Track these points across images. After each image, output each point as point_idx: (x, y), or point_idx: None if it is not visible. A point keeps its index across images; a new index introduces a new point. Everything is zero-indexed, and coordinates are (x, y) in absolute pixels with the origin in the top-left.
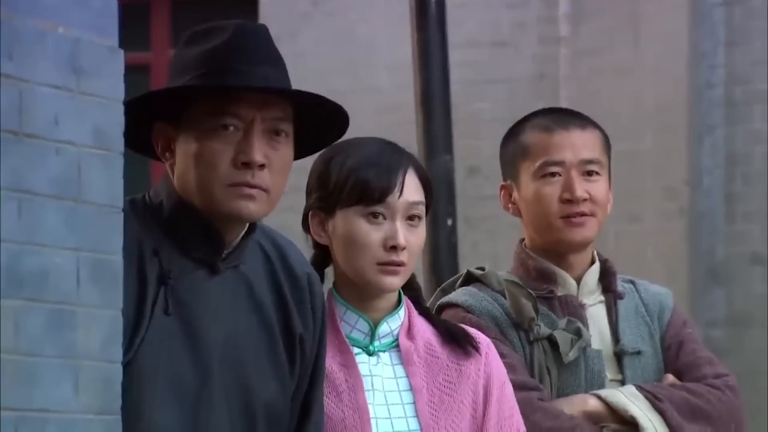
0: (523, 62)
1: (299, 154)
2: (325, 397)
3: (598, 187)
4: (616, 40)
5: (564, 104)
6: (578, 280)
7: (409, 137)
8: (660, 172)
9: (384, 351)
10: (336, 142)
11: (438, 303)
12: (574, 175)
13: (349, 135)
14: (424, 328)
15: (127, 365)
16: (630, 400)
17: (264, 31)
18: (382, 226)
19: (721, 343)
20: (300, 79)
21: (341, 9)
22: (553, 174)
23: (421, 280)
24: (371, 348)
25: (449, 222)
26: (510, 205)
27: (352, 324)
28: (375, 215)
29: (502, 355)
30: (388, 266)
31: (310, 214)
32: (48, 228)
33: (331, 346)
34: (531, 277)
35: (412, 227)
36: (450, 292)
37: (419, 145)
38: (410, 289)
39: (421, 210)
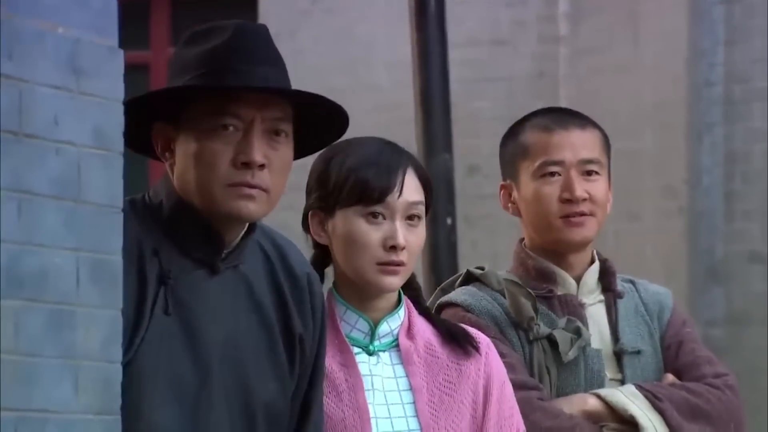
0: (523, 61)
1: (299, 154)
2: (325, 397)
3: (598, 187)
4: (615, 38)
5: (563, 103)
6: (578, 280)
7: (408, 136)
8: (659, 170)
9: (384, 351)
10: (336, 142)
11: (437, 302)
12: (574, 175)
13: (348, 133)
14: (424, 328)
15: (126, 365)
16: (630, 399)
17: (264, 31)
18: (382, 226)
19: (721, 341)
20: (299, 78)
21: (340, 7)
22: (552, 174)
23: (421, 279)
24: (371, 348)
25: (449, 221)
26: (509, 205)
27: (352, 324)
28: (374, 215)
29: (501, 355)
30: (387, 266)
31: (309, 213)
32: (48, 228)
33: (331, 346)
34: (530, 277)
35: (412, 227)
36: (449, 292)
37: (418, 143)
38: (410, 288)
39: (421, 210)
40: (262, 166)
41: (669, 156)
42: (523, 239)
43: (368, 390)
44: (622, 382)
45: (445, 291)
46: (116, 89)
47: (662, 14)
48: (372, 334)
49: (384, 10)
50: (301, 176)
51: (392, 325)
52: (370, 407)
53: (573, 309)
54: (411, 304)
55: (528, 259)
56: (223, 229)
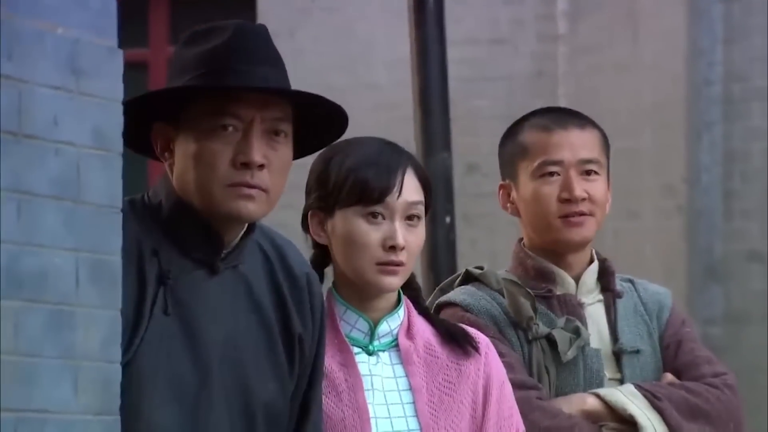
0: (522, 59)
1: (298, 154)
2: (324, 397)
3: (597, 187)
4: (614, 37)
5: (562, 101)
6: (577, 280)
7: (407, 134)
8: (658, 169)
9: (383, 350)
10: (335, 142)
11: (436, 302)
12: (573, 175)
13: (347, 132)
14: (423, 328)
15: (126, 365)
16: (629, 398)
17: (264, 31)
18: (381, 226)
19: (720, 340)
20: (298, 77)
21: (339, 5)
22: (551, 173)
23: (419, 278)
24: (371, 347)
25: (447, 219)
26: (509, 205)
27: (351, 323)
28: (374, 215)
29: (500, 354)
30: (387, 266)
31: (309, 214)
32: (47, 228)
33: (331, 346)
34: (530, 277)
35: (412, 227)
36: (448, 291)
37: (417, 142)
38: (410, 288)
39: (421, 210)
40: (261, 167)
41: (668, 155)
42: (522, 239)
43: (368, 390)
44: (621, 381)
45: (444, 291)
46: (116, 89)
47: (661, 13)
48: (371, 334)
49: (383, 8)
50: (300, 175)
51: (392, 324)
52: (369, 407)
53: (572, 309)
54: (410, 304)
55: (527, 258)
56: (222, 229)
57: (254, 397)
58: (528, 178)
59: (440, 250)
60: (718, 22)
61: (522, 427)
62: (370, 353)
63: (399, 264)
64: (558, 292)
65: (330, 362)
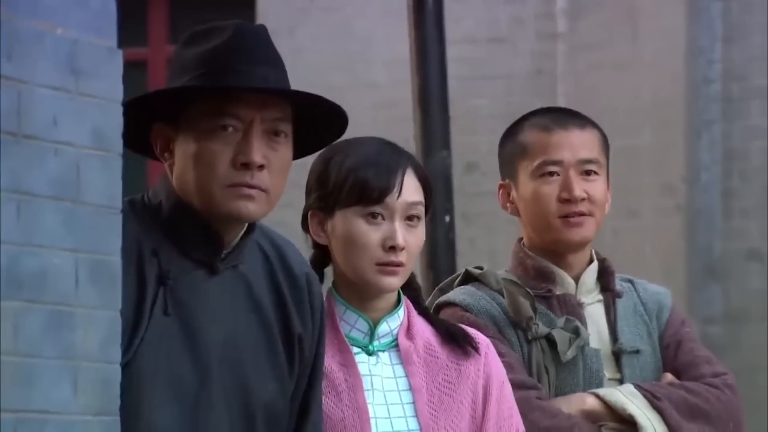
0: (521, 58)
1: (298, 154)
2: (324, 397)
3: (597, 187)
4: (613, 35)
5: (561, 100)
6: (576, 279)
7: (406, 133)
8: (657, 167)
9: (383, 351)
10: (335, 142)
11: (436, 302)
12: (573, 175)
13: (346, 131)
14: (423, 328)
15: (126, 365)
16: (628, 398)
17: (263, 31)
18: (381, 226)
19: (719, 339)
20: (297, 75)
21: (339, 5)
22: (551, 173)
23: (419, 277)
24: (371, 348)
25: (447, 218)
26: (508, 205)
27: (351, 323)
28: (374, 215)
29: (500, 354)
30: (386, 267)
31: (309, 214)
32: (47, 229)
33: (331, 346)
34: (529, 276)
35: (411, 227)
36: (448, 291)
37: (417, 141)
38: (410, 288)
39: (420, 210)
40: (261, 167)
41: (667, 153)
42: (521, 239)
43: (368, 390)
44: (621, 381)
45: (444, 290)
46: (115, 90)
47: (660, 11)
48: (371, 334)
49: (382, 7)
50: (299, 174)
51: (392, 325)
52: (369, 407)
53: (571, 309)
54: (410, 304)
55: (527, 258)
56: (222, 229)
57: (254, 397)
58: (528, 178)
59: (439, 249)
60: (717, 21)
61: (522, 427)
62: (369, 353)
63: (399, 264)
64: (557, 292)
65: (330, 362)
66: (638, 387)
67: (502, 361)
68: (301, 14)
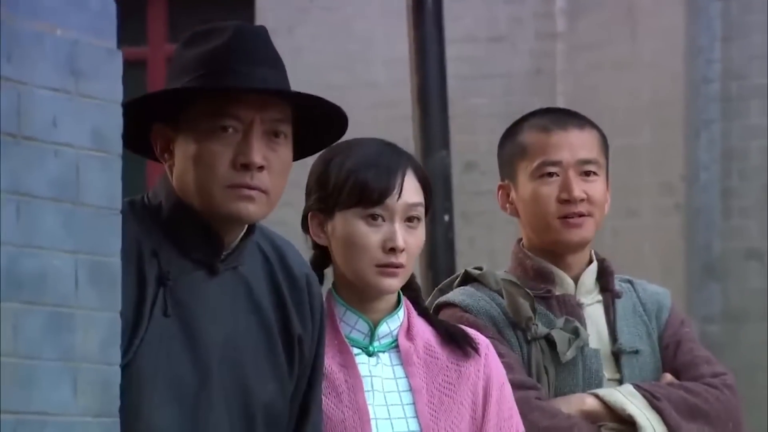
0: (520, 57)
1: (298, 155)
2: (324, 398)
3: (596, 188)
4: (613, 35)
5: (561, 99)
6: (576, 280)
7: (406, 133)
8: (657, 167)
9: (383, 351)
10: (335, 143)
11: (436, 302)
12: (572, 176)
13: (346, 131)
14: (423, 329)
15: (126, 366)
16: (628, 399)
17: (263, 32)
18: (381, 227)
19: (718, 338)
20: (297, 75)
21: (338, 4)
22: (550, 174)
23: (418, 276)
24: (371, 348)
25: (446, 218)
26: (508, 205)
27: (351, 324)
28: (374, 217)
29: (499, 355)
30: (386, 268)
31: (309, 215)
32: (46, 230)
33: (331, 347)
34: (529, 277)
35: (411, 229)
36: (447, 292)
37: (416, 140)
38: (409, 289)
39: (420, 211)
40: (261, 168)
41: (666, 153)
42: (521, 239)
43: (368, 391)
44: (621, 381)
45: (443, 291)
46: (115, 91)
47: (660, 11)
48: (371, 335)
49: (381, 7)
50: (299, 173)
51: (392, 325)
52: (369, 408)
53: (571, 309)
54: (410, 305)
55: (526, 259)
56: (222, 230)
57: (254, 397)
58: (527, 179)
59: (439, 249)
60: (716, 20)
61: (522, 428)
62: (370, 354)
63: (399, 266)
64: (557, 293)
65: (330, 363)
66: (637, 387)
67: (502, 362)
68: (300, 13)
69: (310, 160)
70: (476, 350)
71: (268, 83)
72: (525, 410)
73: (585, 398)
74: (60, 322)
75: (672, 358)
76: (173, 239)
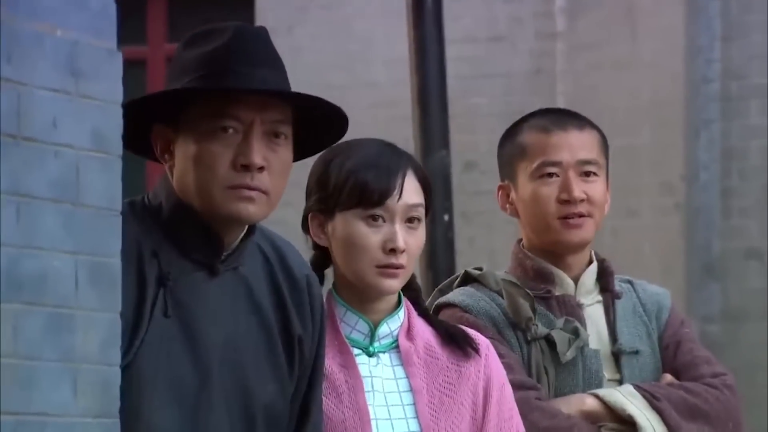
0: (520, 57)
1: (298, 156)
2: (325, 398)
3: (596, 188)
4: (612, 34)
5: (561, 99)
6: (576, 280)
7: (405, 132)
8: (657, 167)
9: (384, 352)
10: (335, 144)
11: (435, 303)
12: (572, 176)
13: (346, 130)
14: (423, 329)
15: (126, 367)
16: (628, 399)
17: (263, 33)
18: (382, 228)
19: (718, 338)
20: (296, 74)
21: (338, 3)
22: (550, 174)
23: (417, 276)
24: (371, 349)
25: (446, 217)
26: (507, 206)
27: (351, 325)
28: (374, 218)
29: (499, 355)
30: (387, 269)
31: (309, 215)
32: (46, 231)
33: (331, 347)
34: (528, 277)
35: (412, 230)
36: (447, 292)
37: (416, 140)
38: (410, 290)
39: (421, 212)
40: (261, 169)
41: (666, 152)
42: (521, 240)
43: (368, 391)
44: (620, 382)
45: (443, 291)
46: (115, 92)
47: (660, 10)
48: (372, 335)
49: (381, 6)
50: (299, 173)
51: (392, 326)
52: (370, 408)
53: (571, 309)
54: (411, 306)
55: (526, 259)
56: (222, 231)
57: (254, 398)
58: (527, 179)
59: (439, 248)
60: (716, 20)
61: (522, 429)
62: (370, 355)
63: (399, 267)
64: (557, 293)
65: (330, 363)
66: (637, 387)
67: (502, 362)
68: (300, 13)
69: (310, 161)
70: (476, 351)
71: (268, 84)
72: (525, 410)
73: (585, 398)
74: (60, 322)
75: (672, 358)
76: (173, 240)
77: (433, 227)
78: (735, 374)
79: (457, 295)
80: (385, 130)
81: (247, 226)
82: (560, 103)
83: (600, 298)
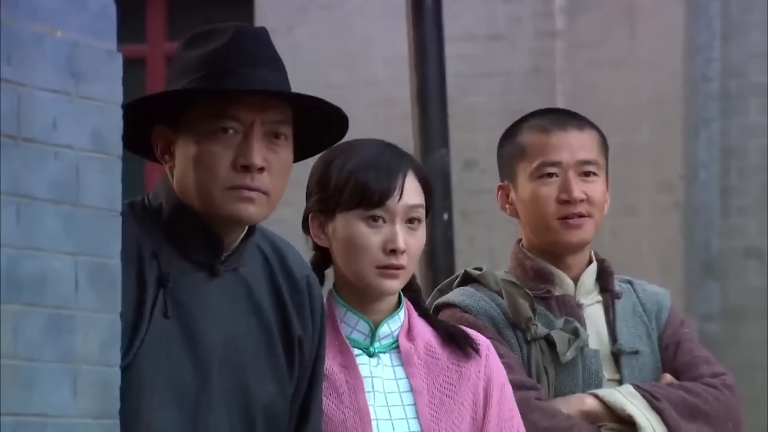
0: (519, 56)
1: (298, 156)
2: (325, 398)
3: (596, 188)
4: (612, 33)
5: (560, 98)
6: (575, 280)
7: (405, 131)
8: (656, 165)
9: (384, 352)
10: (336, 144)
11: (435, 303)
12: (572, 176)
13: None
14: (424, 330)
15: (126, 368)
16: (627, 399)
17: (264, 33)
18: (382, 229)
19: (717, 336)
20: (296, 73)
21: (337, 2)
22: (550, 175)
23: (417, 275)
24: (371, 349)
25: (445, 216)
26: (507, 206)
27: (352, 325)
28: (375, 218)
29: (499, 355)
30: (387, 270)
31: (310, 216)
32: (46, 232)
33: (332, 348)
34: (528, 277)
35: (412, 230)
36: (447, 292)
37: (415, 139)
38: (410, 290)
39: (421, 213)
40: (261, 169)
41: (665, 151)
42: (520, 240)
43: (369, 392)
44: (620, 382)
45: (443, 291)
46: (115, 92)
47: (659, 9)
48: (372, 335)
49: (381, 5)
50: (298, 172)
51: (392, 326)
52: (370, 409)
53: (571, 309)
54: (411, 306)
55: (526, 259)
56: (222, 231)
57: (254, 399)
58: (526, 180)
59: (438, 247)
60: (715, 19)
61: (522, 429)
62: (370, 355)
63: (399, 267)
64: (557, 293)
65: (331, 364)
66: (637, 387)
67: (502, 362)
68: (299, 12)
69: (310, 160)
70: (477, 351)
71: (268, 85)
72: (525, 411)
73: (585, 398)
74: (60, 323)
75: (672, 358)
76: (173, 241)
77: (433, 226)
78: (734, 373)
79: (456, 295)
80: (385, 128)
81: (247, 227)
82: (559, 102)
83: (600, 298)
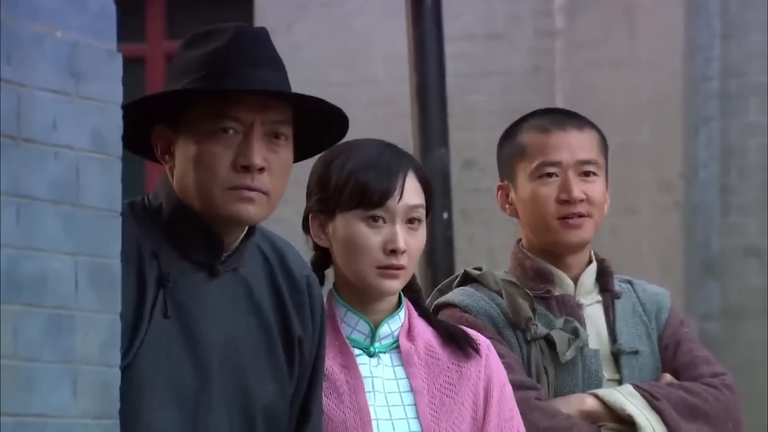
0: (519, 55)
1: (299, 157)
2: (325, 399)
3: (595, 188)
4: (611, 32)
5: (559, 97)
6: (575, 280)
7: (404, 130)
8: (655, 164)
9: (384, 352)
10: (336, 144)
11: (435, 303)
12: (571, 176)
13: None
14: (424, 330)
15: (126, 368)
16: (627, 399)
17: (264, 33)
18: (382, 229)
19: (717, 335)
20: (296, 72)
21: (337, 1)
22: (549, 174)
23: (417, 274)
24: (372, 349)
25: (445, 215)
26: (507, 206)
27: (352, 325)
28: (375, 219)
29: (499, 355)
30: (387, 270)
31: (310, 216)
32: (46, 232)
33: (332, 348)
34: (528, 277)
35: (412, 230)
36: (447, 292)
37: (415, 138)
38: (410, 290)
39: (421, 213)
40: (261, 170)
41: (665, 150)
42: (520, 240)
43: (369, 392)
44: (620, 382)
45: (443, 291)
46: (115, 93)
47: (658, 8)
48: (372, 335)
49: (381, 4)
50: (298, 171)
51: (393, 326)
52: (370, 409)
53: (570, 309)
54: (411, 306)
55: (525, 259)
56: (222, 231)
57: (254, 399)
58: (526, 179)
59: (438, 247)
60: (715, 18)
61: (523, 429)
62: (371, 355)
63: (399, 267)
64: (556, 293)
65: (331, 364)
66: (637, 387)
67: (502, 362)
68: (299, 10)
69: (310, 159)
70: (477, 351)
71: (268, 85)
72: (525, 410)
73: (584, 398)
74: (60, 324)
75: (671, 358)
76: (173, 241)
77: (433, 225)
78: (734, 372)
79: (456, 295)
80: (384, 127)
81: (247, 227)
82: (559, 101)
83: (599, 298)
